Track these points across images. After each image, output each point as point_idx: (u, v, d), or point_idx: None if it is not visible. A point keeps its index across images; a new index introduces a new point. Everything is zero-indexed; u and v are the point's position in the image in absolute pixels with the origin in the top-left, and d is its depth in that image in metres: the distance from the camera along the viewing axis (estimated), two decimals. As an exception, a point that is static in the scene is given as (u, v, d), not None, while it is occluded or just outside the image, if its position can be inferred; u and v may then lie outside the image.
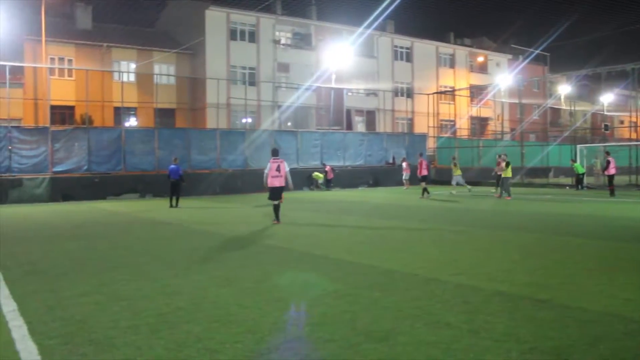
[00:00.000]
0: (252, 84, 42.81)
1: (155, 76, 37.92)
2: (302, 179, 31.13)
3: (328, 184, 31.52)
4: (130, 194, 26.81)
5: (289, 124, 43.92)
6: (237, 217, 16.90)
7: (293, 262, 8.70)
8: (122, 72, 39.61)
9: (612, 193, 23.31)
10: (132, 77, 41.03)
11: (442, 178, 37.34)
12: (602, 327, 5.05)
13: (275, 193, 14.39)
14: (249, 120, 42.35)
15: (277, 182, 14.21)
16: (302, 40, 46.56)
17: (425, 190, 23.84)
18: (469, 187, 27.78)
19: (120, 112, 38.20)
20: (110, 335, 5.00)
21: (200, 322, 5.36)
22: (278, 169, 14.18)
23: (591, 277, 7.25)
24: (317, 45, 45.54)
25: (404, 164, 32.70)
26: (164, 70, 41.80)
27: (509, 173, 22.79)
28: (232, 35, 42.63)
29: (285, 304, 6.06)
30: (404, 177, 32.68)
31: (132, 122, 40.33)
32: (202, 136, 30.64)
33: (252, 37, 43.67)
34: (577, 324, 5.15)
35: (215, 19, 41.58)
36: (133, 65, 41.14)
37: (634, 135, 46.90)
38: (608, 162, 23.63)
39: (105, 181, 26.72)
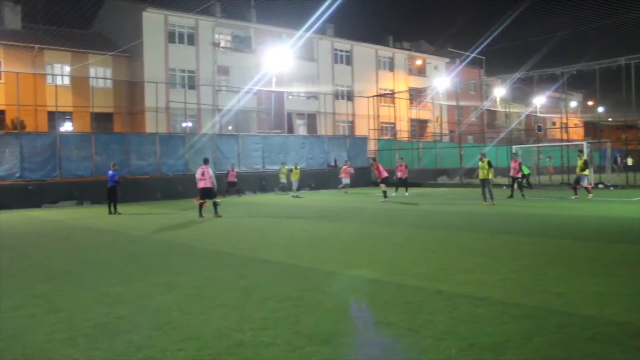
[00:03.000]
0: (191, 87, 42.24)
1: (91, 79, 36.96)
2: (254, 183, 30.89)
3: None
4: (67, 201, 26.00)
5: (230, 127, 43.58)
6: (178, 223, 16.65)
7: (235, 267, 8.65)
8: (56, 75, 38.39)
9: (512, 194, 22.83)
10: (66, 81, 39.77)
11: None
12: (537, 321, 5.25)
13: (203, 193, 17.63)
14: (189, 124, 41.76)
15: (203, 184, 17.51)
16: (242, 43, 46.28)
17: (385, 193, 24.07)
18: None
19: (54, 117, 37.01)
20: (46, 348, 4.86)
21: (141, 331, 5.27)
22: (203, 174, 17.49)
23: (527, 274, 7.50)
24: (257, 48, 45.36)
25: (344, 168, 32.06)
26: (100, 73, 40.74)
27: (490, 174, 20.83)
28: (171, 37, 41.91)
29: (227, 309, 6.02)
30: (344, 181, 32.06)
31: (67, 127, 39.10)
32: (141, 141, 30.01)
33: (191, 39, 43.07)
34: (513, 319, 5.34)
35: (153, 21, 40.78)
36: (67, 68, 39.92)
37: (565, 136, 48.72)
38: (517, 164, 23.22)
39: (40, 188, 25.78)
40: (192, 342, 4.87)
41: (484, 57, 62.91)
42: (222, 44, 45.19)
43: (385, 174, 24.67)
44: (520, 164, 23.22)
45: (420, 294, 6.50)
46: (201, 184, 17.58)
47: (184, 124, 41.12)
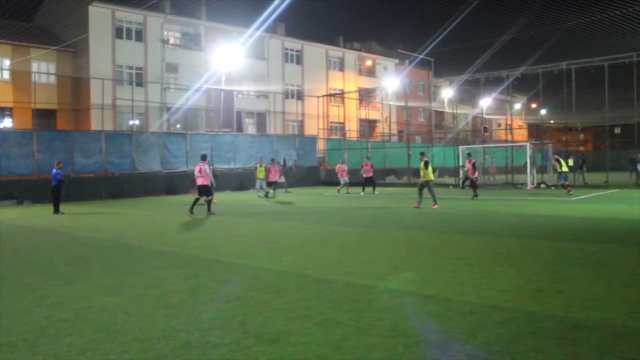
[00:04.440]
0: (139, 84, 41.44)
1: (33, 74, 35.81)
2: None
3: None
4: (6, 200, 25.08)
5: (178, 126, 42.97)
6: (125, 223, 16.33)
7: (183, 267, 8.53)
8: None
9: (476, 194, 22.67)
10: (6, 75, 38.43)
11: (332, 179, 38.03)
12: (481, 317, 5.39)
13: (200, 191, 17.47)
14: (137, 122, 40.98)
15: (201, 181, 17.33)
16: (192, 41, 45.70)
17: (339, 189, 23.96)
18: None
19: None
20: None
21: (83, 334, 5.14)
22: (200, 171, 17.29)
23: (472, 271, 7.69)
24: (206, 46, 44.83)
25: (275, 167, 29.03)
26: (44, 68, 39.51)
27: (430, 175, 19.50)
28: (118, 33, 40.94)
29: (174, 310, 5.94)
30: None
31: (6, 123, 37.78)
32: (85, 139, 29.20)
33: (139, 36, 42.22)
34: (458, 316, 5.46)
35: (100, 15, 39.75)
36: (7, 62, 38.55)
37: (509, 137, 50.00)
38: (471, 164, 23.28)
39: (-24, 187, 24.81)
40: (137, 344, 4.79)
41: (432, 59, 64.03)
42: (171, 41, 44.52)
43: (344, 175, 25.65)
44: (474, 164, 23.36)
45: (368, 292, 6.58)
46: (199, 181, 17.42)
47: (131, 122, 40.30)
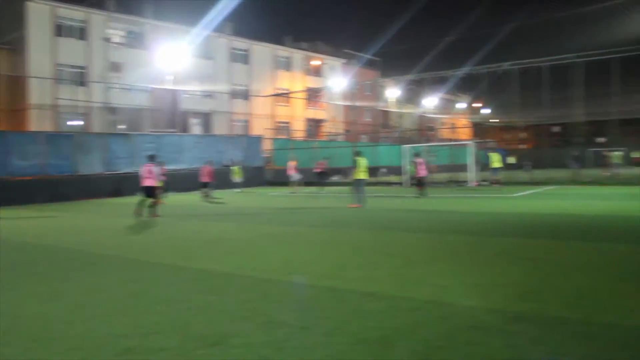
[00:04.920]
0: (81, 84, 40.39)
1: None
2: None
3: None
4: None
5: (123, 126, 42.08)
6: (65, 227, 15.85)
7: (125, 271, 8.34)
8: None
9: (422, 193, 22.72)
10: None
11: (278, 179, 38.00)
12: (423, 313, 5.48)
13: (146, 192, 16.86)
14: (81, 122, 39.94)
15: (149, 182, 16.74)
16: (136, 40, 44.82)
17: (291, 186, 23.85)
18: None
19: None
20: None
21: (16, 344, 4.96)
22: (149, 172, 16.73)
23: (413, 268, 7.80)
24: (152, 45, 44.02)
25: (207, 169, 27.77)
26: (-22, 66, 38.01)
27: (359, 174, 18.74)
28: (59, 31, 39.77)
29: (114, 315, 5.81)
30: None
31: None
32: (24, 140, 28.09)
33: (82, 34, 41.14)
34: (401, 312, 5.54)
35: (38, 12, 38.48)
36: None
37: (453, 136, 51.08)
38: (418, 164, 23.44)
39: None
40: (75, 353, 4.66)
41: (379, 59, 64.71)
42: (116, 39, 43.51)
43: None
44: (423, 163, 23.53)
45: (311, 291, 6.59)
46: (146, 182, 16.76)
47: (73, 122, 39.23)
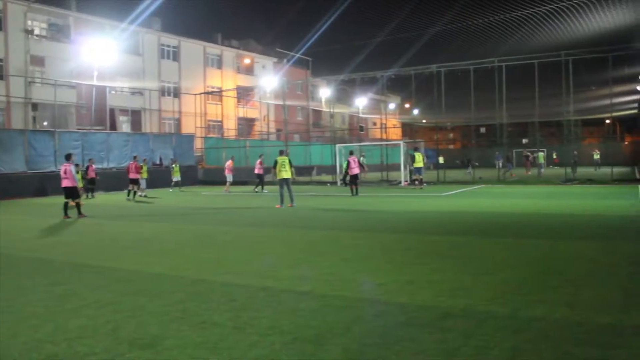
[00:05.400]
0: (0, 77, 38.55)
1: None
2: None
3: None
4: None
5: (46, 123, 40.45)
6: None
7: (51, 273, 8.03)
8: None
9: (354, 191, 22.89)
10: None
11: (210, 178, 37.58)
12: (356, 311, 5.56)
13: (66, 193, 16.49)
14: (-1, 118, 38.15)
15: (66, 183, 16.34)
16: (60, 32, 43.13)
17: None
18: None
19: None
20: None
21: None
22: (65, 172, 16.31)
23: (348, 267, 7.88)
24: (77, 39, 42.44)
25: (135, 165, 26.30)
26: None
27: (284, 173, 18.34)
28: (-27, 20, 37.78)
29: (39, 319, 5.59)
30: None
31: None
32: None
33: (-1, 24, 39.24)
34: (334, 311, 5.57)
35: (-50, 0, 36.40)
36: None
37: (385, 136, 51.89)
38: (348, 163, 23.62)
39: None
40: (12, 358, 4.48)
41: (310, 59, 64.98)
42: (37, 31, 41.73)
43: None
44: (356, 161, 23.61)
45: (245, 291, 6.55)
46: (65, 183, 16.40)
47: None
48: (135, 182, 24.97)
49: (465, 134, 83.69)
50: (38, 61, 40.99)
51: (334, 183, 32.71)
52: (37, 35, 41.43)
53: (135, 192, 24.86)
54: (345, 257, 8.60)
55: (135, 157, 26.75)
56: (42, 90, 39.53)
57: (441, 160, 41.05)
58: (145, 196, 25.69)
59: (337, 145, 34.82)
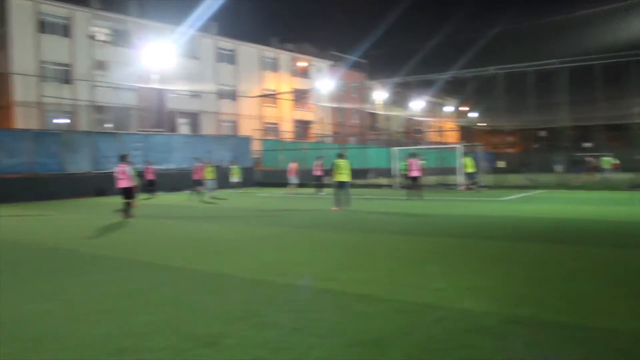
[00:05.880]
0: (66, 81, 40.07)
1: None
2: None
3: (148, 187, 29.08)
4: None
5: (109, 125, 41.78)
6: (53, 225, 15.74)
7: (117, 271, 8.29)
8: None
9: (414, 195, 22.79)
10: None
11: (268, 180, 37.98)
12: (415, 316, 5.48)
13: (123, 193, 16.72)
14: (67, 121, 39.63)
15: (124, 183, 16.62)
16: (122, 38, 44.49)
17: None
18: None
19: None
20: None
21: (6, 342, 4.94)
22: (122, 172, 16.61)
23: (407, 271, 7.80)
24: (138, 44, 43.73)
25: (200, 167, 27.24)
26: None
27: (338, 176, 18.50)
28: (42, 27, 39.40)
29: (108, 314, 5.77)
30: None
31: None
32: (10, 137, 27.89)
33: (66, 31, 40.79)
34: (394, 315, 5.53)
35: (21, 8, 38.02)
36: None
37: (441, 139, 51.30)
38: (408, 165, 23.38)
39: None
40: (68, 352, 4.63)
41: (366, 61, 64.82)
42: (101, 37, 43.18)
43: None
44: (417, 164, 23.15)
45: (305, 293, 6.59)
46: (122, 184, 16.62)
47: (59, 120, 38.93)
48: (199, 183, 25.44)
49: (524, 137, 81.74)
50: (102, 66, 42.40)
51: (390, 186, 32.52)
52: (100, 41, 42.85)
53: (201, 193, 25.23)
54: (403, 261, 8.53)
55: (199, 159, 27.27)
56: (106, 94, 40.91)
57: (501, 164, 40.25)
58: (214, 197, 25.86)
59: (393, 148, 34.62)
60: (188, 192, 26.05)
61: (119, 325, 5.38)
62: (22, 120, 36.31)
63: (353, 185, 23.14)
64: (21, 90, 37.21)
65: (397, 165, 32.15)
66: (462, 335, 4.85)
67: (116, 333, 5.11)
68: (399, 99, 69.04)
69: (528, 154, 61.55)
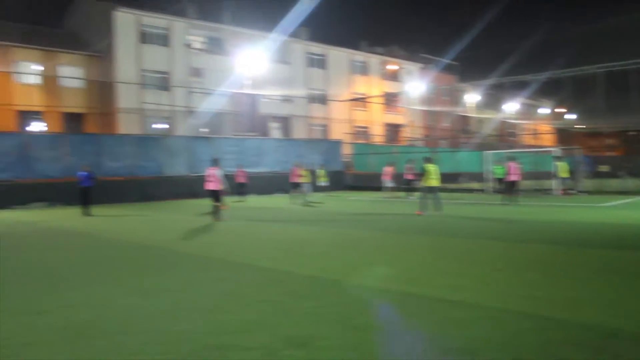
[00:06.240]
0: (165, 88, 41.94)
1: (61, 79, 36.41)
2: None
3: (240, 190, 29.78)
4: (38, 202, 25.48)
5: (205, 129, 43.29)
6: (151, 225, 16.48)
7: (211, 270, 8.57)
8: (24, 73, 37.88)
9: (510, 199, 22.19)
10: (37, 79, 39.17)
11: (358, 184, 38.04)
12: (512, 324, 5.31)
13: (211, 195, 17.15)
14: (166, 126, 41.47)
15: (211, 186, 17.04)
16: (216, 45, 46.04)
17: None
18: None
19: (24, 116, 36.44)
20: (15, 351, 4.80)
21: (105, 336, 5.22)
22: (211, 175, 17.03)
23: (502, 278, 7.57)
24: (231, 51, 45.12)
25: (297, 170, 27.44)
26: (72, 72, 40.20)
27: (428, 181, 18.20)
28: (143, 38, 41.51)
29: (205, 312, 5.97)
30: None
31: (37, 126, 38.45)
32: (114, 142, 29.57)
33: (164, 40, 42.74)
34: (487, 322, 5.39)
35: (125, 21, 40.35)
36: (37, 67, 39.29)
37: (536, 142, 49.51)
38: (506, 168, 22.82)
39: (9, 189, 25.15)
40: (172, 346, 4.85)
41: (457, 63, 63.59)
42: (196, 45, 44.88)
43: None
44: (516, 168, 22.44)
45: (396, 297, 6.54)
46: (210, 186, 17.11)
47: (158, 126, 40.79)
48: (296, 186, 25.85)
49: (628, 139, 77.36)
50: (197, 72, 44.06)
51: (482, 190, 31.71)
52: (196, 49, 44.55)
53: (298, 196, 25.57)
54: (497, 268, 8.28)
55: (297, 162, 27.70)
56: (201, 99, 42.48)
57: (604, 168, 38.30)
58: (309, 201, 25.81)
59: (486, 152, 33.75)
60: (288, 195, 26.47)
61: (217, 322, 5.56)
62: (125, 125, 38.35)
63: (444, 190, 22.75)
64: (124, 97, 39.35)
65: (489, 169, 31.31)
66: (559, 348, 4.65)
67: (214, 330, 5.29)
68: (492, 101, 67.29)
69: (632, 157, 58.22)
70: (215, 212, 17.21)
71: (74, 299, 6.74)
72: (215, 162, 17.64)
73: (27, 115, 37.94)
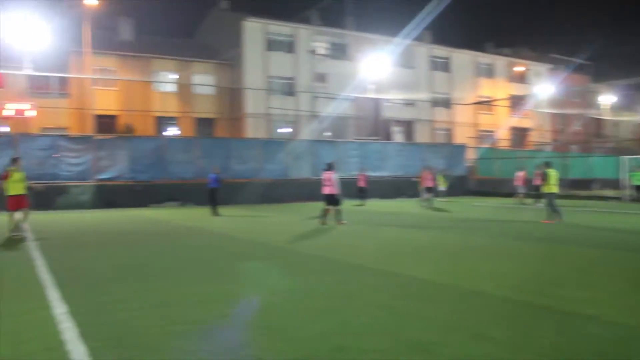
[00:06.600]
0: (290, 94, 43.13)
1: (194, 86, 38.50)
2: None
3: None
4: (171, 202, 27.13)
5: (328, 133, 43.96)
6: (278, 226, 16.95)
7: (334, 272, 8.61)
8: (162, 82, 40.50)
9: None
10: (172, 87, 41.77)
11: (483, 189, 36.89)
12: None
13: (327, 199, 16.96)
14: (290, 130, 42.65)
15: (328, 190, 16.84)
16: (339, 51, 46.66)
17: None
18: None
19: (161, 122, 38.94)
20: (157, 340, 5.07)
21: (239, 330, 5.40)
22: (327, 180, 16.84)
23: (639, 293, 7.00)
24: (354, 56, 45.53)
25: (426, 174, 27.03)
26: (204, 80, 42.46)
27: (548, 187, 17.40)
28: (270, 46, 43.03)
29: (328, 313, 6.02)
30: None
31: (173, 131, 40.93)
32: (242, 146, 30.87)
33: (289, 47, 44.04)
34: (628, 342, 4.98)
35: (253, 29, 42.06)
36: (173, 76, 41.87)
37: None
38: None
39: (147, 189, 27.08)
40: (293, 344, 4.92)
41: (590, 63, 59.90)
42: (320, 51, 45.72)
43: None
44: None
45: (524, 308, 6.23)
46: (326, 190, 16.92)
47: (283, 130, 42.01)
48: (430, 190, 25.51)
49: None
50: (321, 78, 44.93)
51: (618, 198, 29.58)
52: (320, 55, 45.42)
53: (428, 200, 25.27)
54: (635, 282, 7.64)
55: (426, 167, 27.39)
56: (325, 104, 43.20)
57: None
58: (432, 206, 25.37)
59: (623, 157, 31.46)
60: (418, 199, 26.16)
61: (338, 324, 5.56)
62: (252, 130, 39.88)
63: (575, 197, 21.46)
64: (251, 103, 40.95)
65: (626, 176, 29.16)
66: None
67: (336, 331, 5.30)
68: (629, 102, 62.76)
69: None
70: (324, 216, 17.03)
71: (209, 293, 7.07)
72: (330, 166, 17.36)
73: (163, 121, 40.55)
